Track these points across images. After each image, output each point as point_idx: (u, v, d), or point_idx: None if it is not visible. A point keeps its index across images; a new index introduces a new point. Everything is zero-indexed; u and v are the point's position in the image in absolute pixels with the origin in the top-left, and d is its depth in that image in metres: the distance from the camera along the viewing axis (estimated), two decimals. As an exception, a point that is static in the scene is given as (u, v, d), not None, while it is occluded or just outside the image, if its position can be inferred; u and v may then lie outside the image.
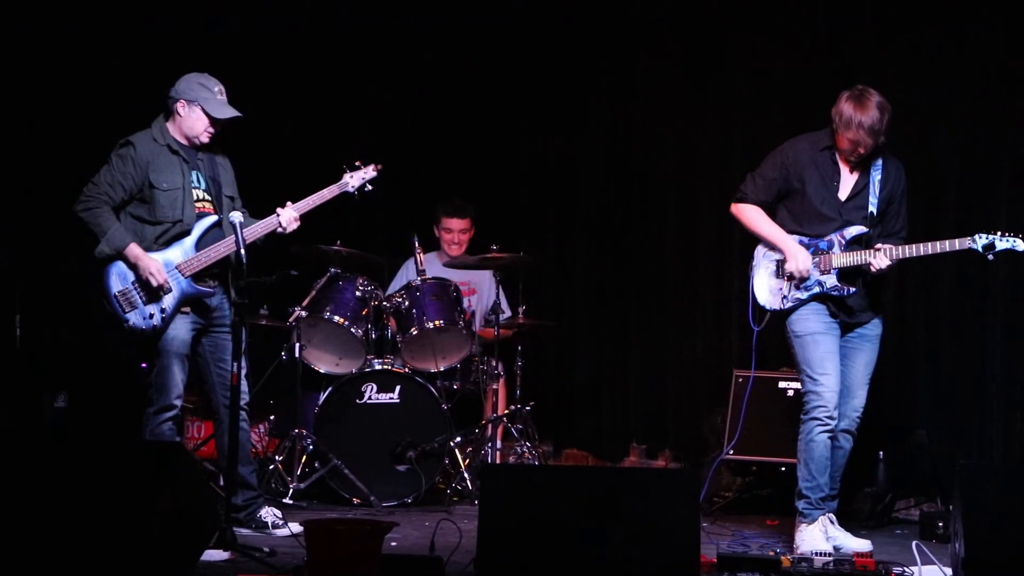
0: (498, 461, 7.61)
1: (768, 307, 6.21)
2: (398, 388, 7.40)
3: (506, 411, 7.79)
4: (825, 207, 6.13)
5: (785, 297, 6.15)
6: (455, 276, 7.94)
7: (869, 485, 7.18)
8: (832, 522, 6.16)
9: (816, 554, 5.49)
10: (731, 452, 7.32)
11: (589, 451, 8.79)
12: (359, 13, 8.99)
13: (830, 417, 6.04)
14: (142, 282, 6.09)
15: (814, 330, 6.11)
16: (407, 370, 7.47)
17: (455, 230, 8.28)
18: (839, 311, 6.14)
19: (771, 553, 5.57)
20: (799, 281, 6.12)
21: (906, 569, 5.30)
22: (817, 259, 6.08)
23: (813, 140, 6.22)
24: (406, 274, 8.22)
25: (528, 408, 7.70)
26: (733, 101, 8.50)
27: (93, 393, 8.02)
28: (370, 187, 6.52)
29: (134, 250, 6.07)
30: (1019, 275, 7.37)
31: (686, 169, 8.66)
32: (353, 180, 6.47)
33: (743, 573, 5.12)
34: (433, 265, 8.14)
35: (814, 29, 8.16)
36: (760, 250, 6.31)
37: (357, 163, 6.52)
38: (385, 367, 7.45)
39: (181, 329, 6.18)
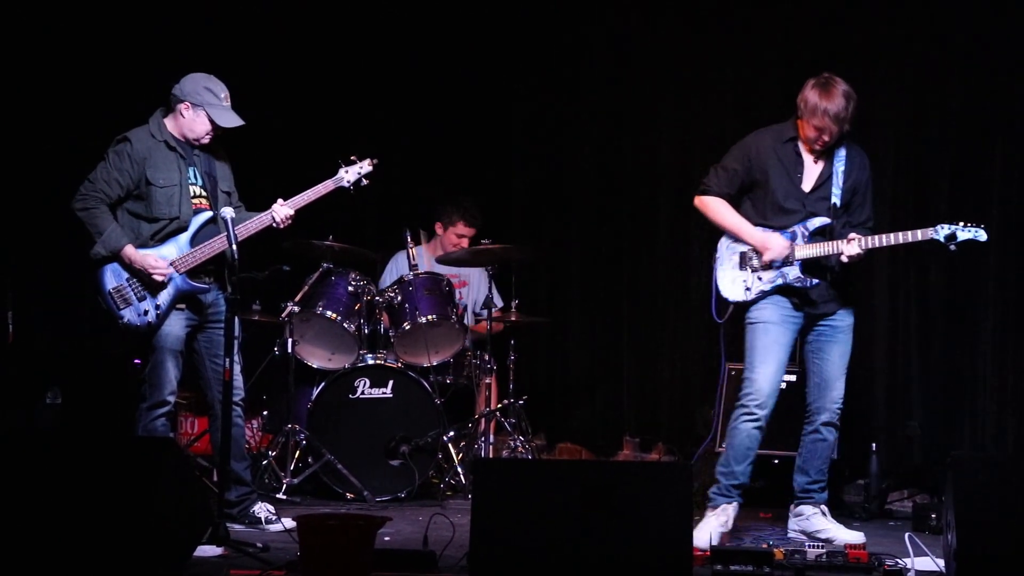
0: (491, 455, 7.62)
1: (732, 299, 6.22)
2: (391, 383, 7.40)
3: (499, 405, 7.80)
4: (789, 199, 6.14)
5: (748, 289, 6.17)
6: (447, 270, 7.95)
7: (862, 477, 7.19)
8: (825, 514, 6.19)
9: (809, 545, 5.49)
10: (721, 447, 7.32)
11: (582, 445, 8.80)
12: (351, 5, 8.98)
13: (759, 407, 6.08)
14: (141, 278, 6.08)
15: (768, 319, 6.13)
16: (400, 365, 7.47)
17: (466, 236, 8.28)
18: (802, 303, 6.15)
19: (764, 546, 5.57)
20: (763, 271, 6.13)
21: (899, 561, 5.30)
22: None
23: (777, 132, 6.23)
24: (397, 268, 8.21)
25: (521, 402, 7.70)
26: (727, 94, 8.51)
27: (86, 389, 8.01)
28: (365, 181, 6.51)
29: (129, 252, 6.07)
30: (1011, 267, 7.39)
31: (680, 163, 8.66)
32: (348, 175, 6.47)
33: (736, 566, 5.12)
34: (424, 259, 8.13)
35: (807, 21, 8.16)
36: (724, 242, 6.32)
37: (352, 157, 6.51)
38: (378, 362, 7.45)
39: (175, 325, 6.18)
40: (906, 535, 5.46)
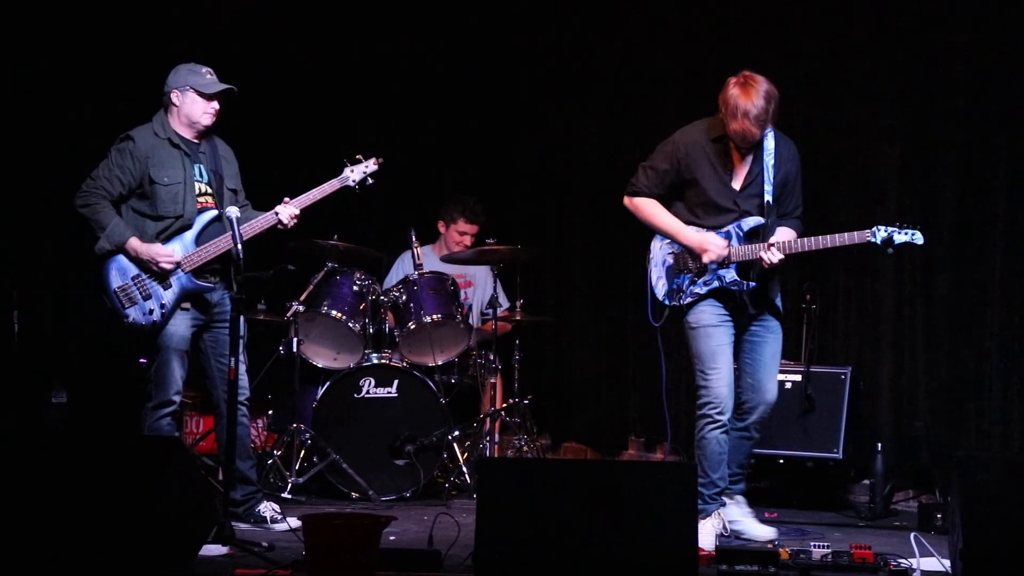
0: (496, 455, 7.62)
1: (668, 302, 6.18)
2: (396, 382, 7.40)
3: (504, 405, 7.80)
4: (721, 198, 6.10)
5: (683, 292, 6.13)
6: (452, 270, 7.95)
7: (867, 477, 7.19)
8: (739, 504, 6.17)
9: (815, 545, 5.49)
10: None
11: (587, 444, 8.81)
12: (355, 4, 8.98)
13: (720, 413, 6.04)
14: (150, 273, 6.08)
15: (707, 323, 6.08)
16: (405, 364, 7.47)
17: (468, 233, 8.28)
18: (737, 305, 6.11)
19: (769, 545, 5.57)
20: (698, 274, 6.10)
21: (904, 561, 5.30)
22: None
23: (704, 129, 6.16)
24: (402, 268, 8.22)
25: (526, 402, 7.70)
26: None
27: (92, 389, 8.02)
28: (371, 181, 6.52)
29: (134, 243, 6.07)
30: (1018, 267, 7.37)
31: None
32: (354, 174, 6.47)
33: (741, 566, 5.11)
34: (429, 259, 8.14)
35: (812, 17, 8.14)
36: (656, 243, 6.28)
37: (358, 156, 6.52)
38: (383, 361, 7.45)
39: (180, 325, 6.17)
40: (912, 535, 5.44)
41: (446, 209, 8.32)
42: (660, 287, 6.24)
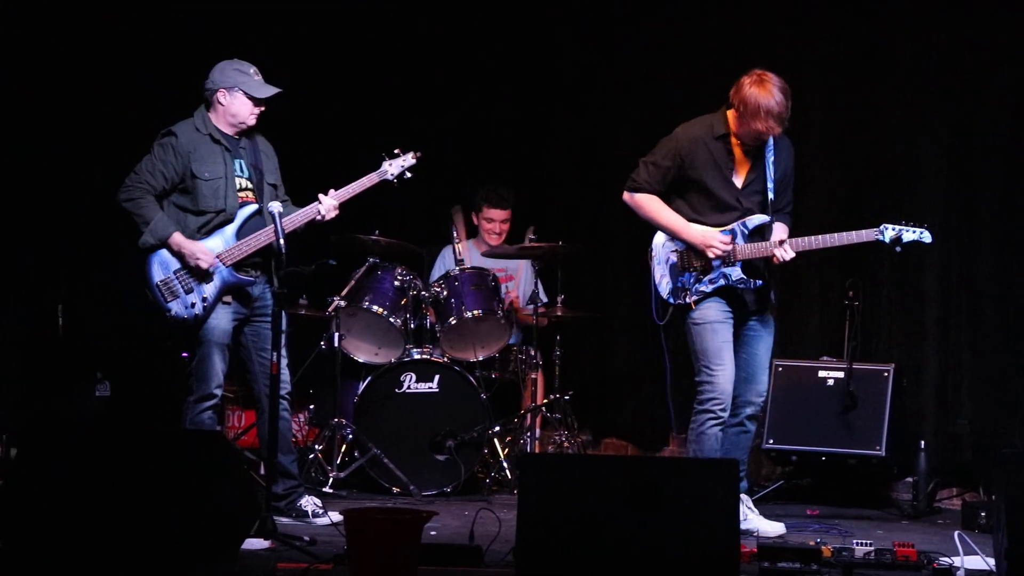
0: (537, 450, 7.61)
1: (672, 301, 6.17)
2: (437, 377, 7.40)
3: (545, 400, 7.79)
4: (724, 195, 6.10)
5: (689, 290, 6.12)
6: (494, 265, 7.95)
7: (910, 475, 7.14)
8: (744, 501, 6.15)
9: (857, 543, 5.46)
10: (771, 441, 7.30)
11: (628, 440, 8.78)
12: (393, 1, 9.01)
13: (723, 410, 6.06)
14: (189, 268, 6.12)
15: (712, 319, 6.09)
16: (446, 359, 7.48)
17: (496, 220, 8.27)
18: (739, 303, 6.12)
19: (811, 543, 5.54)
20: (703, 272, 6.07)
21: (948, 559, 5.26)
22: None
23: (707, 126, 6.16)
24: (444, 263, 8.23)
25: (567, 397, 7.69)
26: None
27: (135, 382, 8.06)
28: (409, 175, 6.52)
29: (177, 238, 6.11)
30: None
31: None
32: (392, 168, 6.48)
33: (783, 563, 5.09)
34: (471, 254, 8.14)
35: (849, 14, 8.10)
36: (659, 240, 6.26)
37: (396, 151, 6.52)
38: (424, 356, 7.45)
39: (222, 319, 6.20)
40: (955, 533, 5.40)
41: (472, 202, 8.34)
42: (664, 285, 6.24)
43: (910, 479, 7.13)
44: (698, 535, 4.63)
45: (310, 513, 6.26)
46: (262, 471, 6.63)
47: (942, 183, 7.73)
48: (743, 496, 6.17)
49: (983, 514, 6.40)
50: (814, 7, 8.18)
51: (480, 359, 7.57)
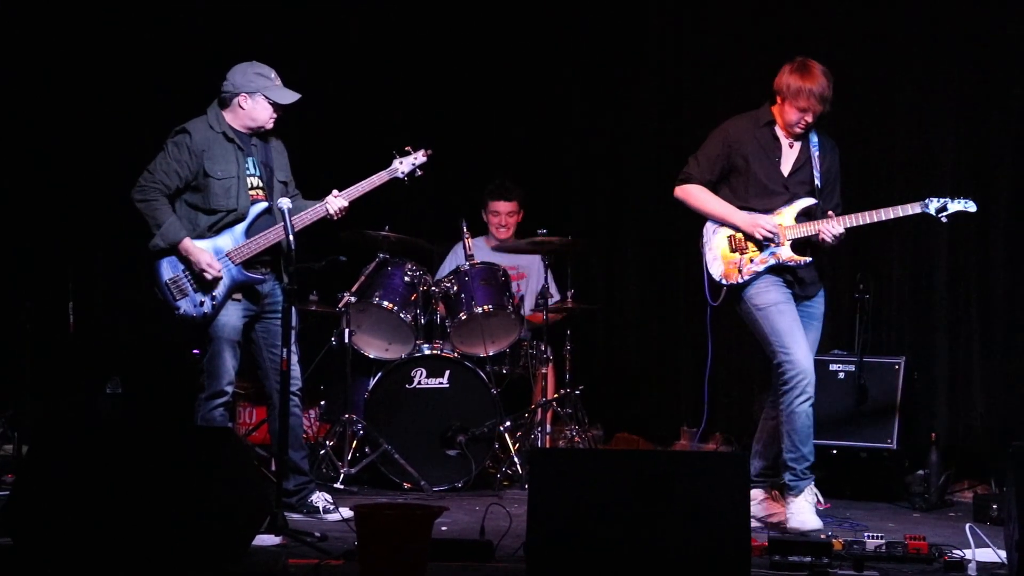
0: (548, 445, 7.61)
1: (725, 282, 6.21)
2: (447, 373, 7.41)
3: (556, 395, 7.79)
4: (771, 181, 6.19)
5: (741, 271, 6.16)
6: (503, 260, 7.94)
7: (922, 467, 7.13)
8: (777, 498, 6.21)
9: (869, 536, 5.45)
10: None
11: (639, 435, 8.78)
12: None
13: (809, 384, 6.05)
14: (195, 273, 6.12)
15: (777, 300, 6.13)
16: (456, 355, 7.48)
17: (502, 213, 8.27)
18: (794, 281, 6.18)
19: (822, 536, 5.54)
20: (755, 252, 6.10)
21: (959, 552, 5.25)
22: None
23: (753, 117, 6.29)
24: (454, 259, 8.22)
25: (578, 392, 7.69)
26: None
27: (146, 379, 8.08)
28: (420, 172, 6.52)
29: (187, 244, 6.11)
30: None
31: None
32: (403, 166, 6.47)
33: (794, 556, 5.09)
34: (481, 250, 8.14)
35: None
36: (710, 226, 6.33)
37: (407, 148, 6.51)
38: (434, 352, 7.46)
39: (232, 316, 6.20)
40: (967, 526, 5.40)
41: (480, 197, 8.34)
42: (716, 268, 6.28)
43: (921, 472, 7.12)
44: (709, 529, 4.63)
45: (321, 509, 6.27)
46: (273, 467, 6.64)
47: (952, 174, 7.71)
48: (775, 492, 6.22)
49: (995, 507, 6.40)
50: (819, 6, 8.19)
51: (491, 354, 7.57)
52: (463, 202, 8.35)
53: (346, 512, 6.03)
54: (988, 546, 5.29)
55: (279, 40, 8.21)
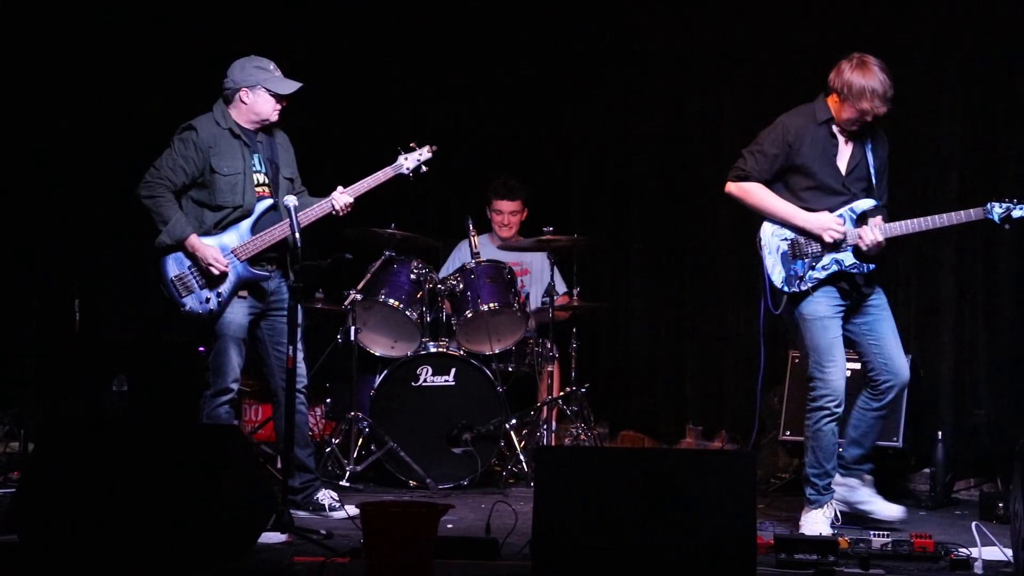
0: (553, 443, 7.61)
1: (787, 289, 6.03)
2: (453, 371, 7.41)
3: (561, 393, 7.79)
4: (831, 181, 6.01)
5: (802, 279, 6.00)
6: (508, 258, 7.94)
7: (928, 466, 7.13)
8: (869, 484, 6.15)
9: (874, 534, 5.45)
10: (786, 434, 7.29)
11: (645, 433, 8.78)
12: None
13: (837, 405, 5.97)
14: (202, 269, 6.12)
15: (823, 314, 5.98)
16: (462, 353, 7.48)
17: (505, 212, 8.26)
18: (851, 289, 6.03)
19: (829, 534, 5.53)
20: (818, 258, 6.01)
21: (965, 550, 5.25)
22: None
23: (810, 114, 6.08)
24: (460, 256, 8.22)
25: (583, 390, 7.68)
26: (794, 80, 8.41)
27: (152, 377, 8.08)
28: (425, 169, 6.52)
29: (193, 241, 6.11)
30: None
31: (742, 147, 8.58)
32: (408, 162, 6.47)
33: (800, 554, 5.09)
34: (487, 247, 8.13)
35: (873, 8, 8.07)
36: (767, 229, 6.12)
37: (412, 144, 6.52)
38: (440, 350, 7.46)
39: (238, 313, 6.21)
40: (973, 524, 5.39)
41: (484, 195, 8.34)
42: (777, 274, 6.07)
43: (927, 470, 7.12)
44: (715, 527, 4.63)
45: (327, 506, 6.27)
46: (279, 465, 6.64)
47: (958, 172, 7.70)
48: (868, 478, 6.18)
49: (1001, 505, 6.39)
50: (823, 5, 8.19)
51: (496, 352, 7.56)
52: (469, 199, 8.35)
53: (352, 510, 6.03)
54: (994, 544, 5.28)
55: (283, 38, 8.20)
